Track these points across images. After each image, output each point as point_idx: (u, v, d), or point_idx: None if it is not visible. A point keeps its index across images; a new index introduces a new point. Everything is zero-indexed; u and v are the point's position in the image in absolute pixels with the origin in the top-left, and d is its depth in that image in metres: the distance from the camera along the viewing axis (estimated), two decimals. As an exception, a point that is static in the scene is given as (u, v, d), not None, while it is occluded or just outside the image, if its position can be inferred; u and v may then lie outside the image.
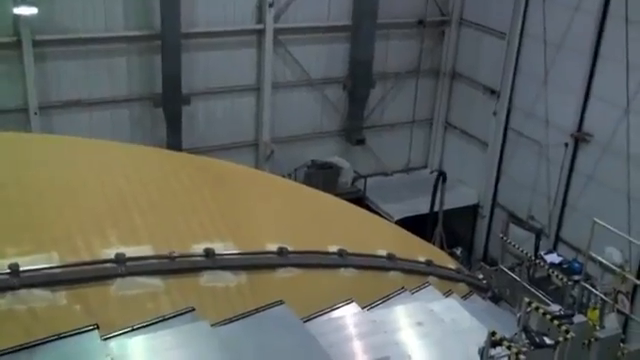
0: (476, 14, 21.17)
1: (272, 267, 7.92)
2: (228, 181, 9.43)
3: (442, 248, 19.30)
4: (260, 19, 19.15)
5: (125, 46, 17.91)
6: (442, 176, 19.95)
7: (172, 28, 17.57)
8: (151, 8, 17.68)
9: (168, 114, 18.47)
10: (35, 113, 17.05)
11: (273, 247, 8.05)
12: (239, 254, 7.71)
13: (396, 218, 19.60)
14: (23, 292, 6.16)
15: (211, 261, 7.43)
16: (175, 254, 7.20)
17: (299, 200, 10.11)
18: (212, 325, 6.65)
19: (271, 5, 18.90)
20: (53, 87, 17.33)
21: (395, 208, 20.46)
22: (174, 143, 18.43)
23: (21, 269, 6.21)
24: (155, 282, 6.94)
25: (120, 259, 6.81)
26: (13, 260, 6.24)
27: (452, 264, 11.77)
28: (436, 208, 20.12)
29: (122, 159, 8.87)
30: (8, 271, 6.17)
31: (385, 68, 21.53)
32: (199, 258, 7.39)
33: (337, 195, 18.19)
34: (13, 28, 16.46)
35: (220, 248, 7.60)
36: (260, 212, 8.85)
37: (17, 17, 16.22)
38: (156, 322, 6.41)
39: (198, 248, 7.48)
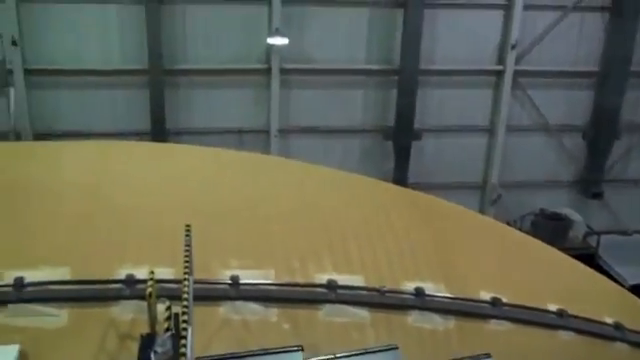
0: None
1: (483, 317, 7.56)
2: (447, 222, 9.22)
3: (683, 324, 17.16)
4: (501, 60, 18.73)
5: (364, 79, 18.52)
6: (690, 243, 17.88)
7: (411, 64, 17.85)
8: (392, 44, 18.11)
9: (397, 148, 18.72)
10: (275, 136, 18.26)
11: (486, 296, 7.69)
12: (450, 298, 7.47)
13: (630, 283, 17.91)
14: (239, 303, 6.49)
15: (420, 301, 7.28)
16: (385, 288, 7.17)
17: (520, 250, 9.57)
18: (413, 367, 6.49)
19: (514, 47, 18.41)
20: (292, 112, 18.43)
21: (631, 271, 18.67)
22: (400, 177, 18.60)
23: (240, 282, 6.57)
24: (362, 313, 6.95)
25: (332, 285, 6.93)
26: (235, 272, 6.62)
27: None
28: (680, 278, 18.05)
29: (346, 188, 9.07)
30: (229, 282, 6.56)
31: (634, 118, 19.90)
32: (409, 296, 7.28)
33: (565, 250, 16.98)
34: (265, 56, 17.82)
35: (431, 289, 7.43)
36: (476, 258, 8.51)
37: (270, 46, 17.53)
38: (359, 354, 6.38)
39: (409, 286, 7.37)
